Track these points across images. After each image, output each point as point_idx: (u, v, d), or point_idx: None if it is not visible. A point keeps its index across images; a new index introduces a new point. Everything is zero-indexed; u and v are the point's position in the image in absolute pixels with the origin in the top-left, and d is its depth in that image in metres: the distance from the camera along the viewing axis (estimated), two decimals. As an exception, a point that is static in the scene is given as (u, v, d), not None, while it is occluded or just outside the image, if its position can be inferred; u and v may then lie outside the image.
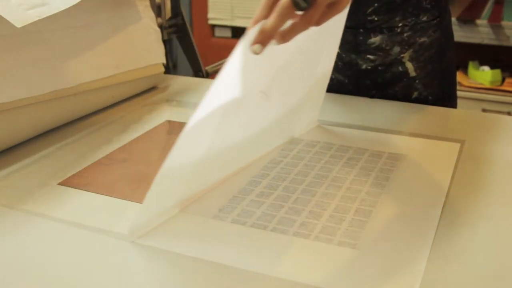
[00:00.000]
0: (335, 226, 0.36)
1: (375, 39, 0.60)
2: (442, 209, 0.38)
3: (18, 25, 0.43)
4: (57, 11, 0.48)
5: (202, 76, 0.99)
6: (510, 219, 0.37)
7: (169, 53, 0.93)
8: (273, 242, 0.34)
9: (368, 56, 0.61)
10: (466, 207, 0.38)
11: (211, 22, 2.66)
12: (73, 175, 0.43)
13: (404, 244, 0.34)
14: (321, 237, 0.34)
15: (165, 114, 0.59)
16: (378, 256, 0.33)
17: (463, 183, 0.42)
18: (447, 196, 0.40)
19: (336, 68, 0.65)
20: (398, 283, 0.30)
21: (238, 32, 2.63)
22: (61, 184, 0.42)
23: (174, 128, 0.55)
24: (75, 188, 0.41)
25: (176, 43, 1.03)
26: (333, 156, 0.47)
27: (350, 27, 0.60)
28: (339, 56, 0.64)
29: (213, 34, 2.67)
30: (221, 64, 1.14)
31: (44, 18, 0.46)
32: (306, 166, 0.45)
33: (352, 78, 0.64)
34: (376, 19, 0.59)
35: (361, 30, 0.60)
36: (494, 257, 0.33)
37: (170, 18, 0.92)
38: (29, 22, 0.44)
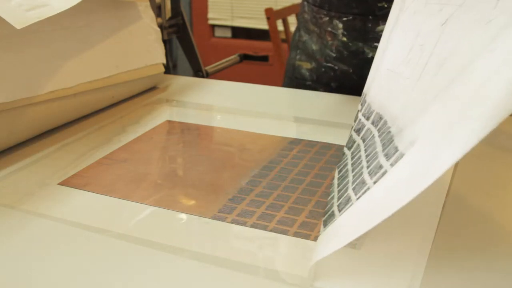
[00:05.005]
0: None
1: (384, 27, 0.60)
2: (442, 209, 0.38)
3: (18, 26, 0.43)
4: (58, 12, 0.48)
5: (202, 76, 1.00)
6: (511, 218, 0.37)
7: (169, 53, 0.93)
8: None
9: (376, 44, 0.61)
10: (466, 207, 0.38)
11: (211, 22, 2.66)
12: (73, 175, 0.43)
13: (404, 244, 0.34)
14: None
15: (165, 114, 0.59)
16: (378, 256, 0.33)
17: (464, 183, 0.42)
18: (447, 196, 0.40)
19: (341, 58, 0.65)
20: (399, 283, 0.30)
21: (238, 32, 2.63)
22: (61, 184, 0.42)
23: (174, 128, 0.55)
24: (75, 188, 0.41)
25: (176, 43, 1.04)
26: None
27: (359, 14, 0.60)
28: (345, 45, 0.65)
29: (213, 34, 2.68)
30: (221, 64, 1.15)
31: (44, 18, 0.46)
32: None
33: (357, 67, 0.64)
34: (386, 6, 0.59)
35: (370, 17, 0.60)
36: (494, 257, 0.33)
37: (170, 18, 0.92)
38: (29, 23, 0.44)
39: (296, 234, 0.35)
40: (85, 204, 0.39)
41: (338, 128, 0.54)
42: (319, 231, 0.35)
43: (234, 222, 0.36)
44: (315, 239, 0.34)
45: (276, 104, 0.64)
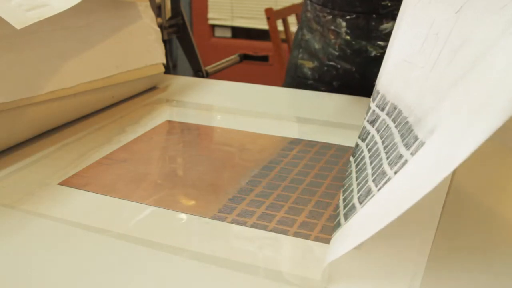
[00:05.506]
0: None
1: (387, 25, 0.60)
2: (442, 209, 0.38)
3: (18, 26, 0.43)
4: (58, 12, 0.48)
5: (202, 76, 1.00)
6: (509, 216, 0.37)
7: (169, 53, 0.93)
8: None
9: (379, 42, 0.61)
10: (466, 206, 0.38)
11: (211, 22, 2.66)
12: (73, 175, 0.43)
13: (404, 244, 0.34)
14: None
15: (165, 114, 0.59)
16: (378, 256, 0.33)
17: (464, 182, 0.42)
18: (447, 195, 0.40)
19: (344, 56, 0.65)
20: (399, 283, 0.30)
21: (238, 32, 2.63)
22: (61, 184, 0.42)
23: (174, 128, 0.55)
24: (75, 188, 0.41)
25: (176, 43, 1.04)
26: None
27: (363, 12, 0.60)
28: (348, 44, 0.65)
29: (213, 34, 2.68)
30: (221, 64, 1.15)
31: (44, 18, 0.46)
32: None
33: (360, 66, 0.64)
34: (389, 4, 0.59)
35: (374, 15, 0.60)
36: (495, 257, 0.33)
37: (170, 18, 0.92)
38: (29, 23, 0.44)
39: (296, 234, 0.35)
40: (85, 204, 0.39)
41: (338, 128, 0.54)
42: (319, 231, 0.35)
43: (234, 222, 0.36)
44: (315, 239, 0.34)
45: (276, 104, 0.64)
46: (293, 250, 0.33)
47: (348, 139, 0.51)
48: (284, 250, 0.33)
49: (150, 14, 0.65)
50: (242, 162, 0.46)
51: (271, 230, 0.35)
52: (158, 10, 0.89)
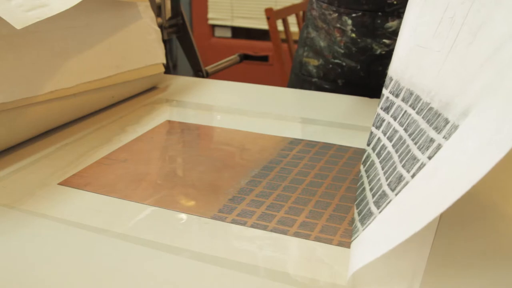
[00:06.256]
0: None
1: (393, 23, 0.60)
2: (442, 209, 0.38)
3: (18, 26, 0.43)
4: (57, 12, 0.48)
5: (202, 76, 1.00)
6: (511, 217, 0.37)
7: (169, 53, 0.93)
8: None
9: (384, 40, 0.62)
10: (466, 206, 0.38)
11: (211, 22, 2.66)
12: (73, 175, 0.43)
13: (404, 244, 0.34)
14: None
15: (165, 114, 0.59)
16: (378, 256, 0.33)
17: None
18: (447, 196, 0.40)
19: (349, 54, 0.66)
20: (399, 283, 0.30)
21: (238, 32, 2.63)
22: (61, 184, 0.42)
23: (174, 128, 0.55)
24: (75, 188, 0.41)
25: (176, 43, 1.04)
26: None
27: (369, 10, 0.61)
28: (353, 41, 0.65)
29: (213, 34, 2.68)
30: (221, 64, 1.15)
31: (44, 18, 0.46)
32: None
33: (365, 64, 0.65)
34: (395, 2, 0.60)
35: (379, 13, 0.61)
36: (494, 256, 0.33)
37: (170, 18, 0.92)
38: (29, 23, 0.44)
39: (296, 234, 0.35)
40: (85, 204, 0.39)
41: (338, 128, 0.54)
42: (319, 231, 0.35)
43: (234, 222, 0.36)
44: (315, 239, 0.34)
45: (276, 104, 0.64)
46: (293, 250, 0.33)
47: (348, 139, 0.51)
48: (284, 250, 0.33)
49: (150, 14, 0.65)
50: (242, 162, 0.46)
51: (271, 230, 0.35)
52: (158, 10, 0.89)
